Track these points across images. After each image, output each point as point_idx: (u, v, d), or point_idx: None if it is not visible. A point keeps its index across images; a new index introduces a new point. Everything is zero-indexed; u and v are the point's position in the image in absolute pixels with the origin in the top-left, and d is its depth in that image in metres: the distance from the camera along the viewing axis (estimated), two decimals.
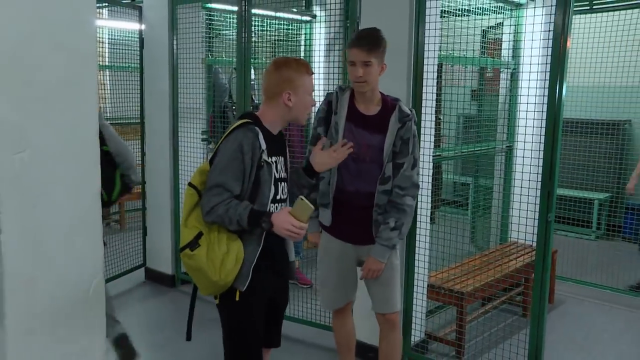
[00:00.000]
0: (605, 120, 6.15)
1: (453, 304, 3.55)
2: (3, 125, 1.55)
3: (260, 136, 2.17)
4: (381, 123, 2.65)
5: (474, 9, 3.99)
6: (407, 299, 3.33)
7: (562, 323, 4.17)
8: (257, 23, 4.92)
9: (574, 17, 3.28)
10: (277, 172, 2.25)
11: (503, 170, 4.55)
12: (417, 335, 3.42)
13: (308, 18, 5.46)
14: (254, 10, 4.26)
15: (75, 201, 1.75)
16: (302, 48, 5.56)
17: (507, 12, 4.36)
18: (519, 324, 4.04)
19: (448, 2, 3.71)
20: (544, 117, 2.83)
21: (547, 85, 2.80)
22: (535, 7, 4.25)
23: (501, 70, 4.53)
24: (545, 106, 2.81)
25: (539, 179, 2.86)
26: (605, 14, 4.75)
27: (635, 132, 6.46)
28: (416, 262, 3.31)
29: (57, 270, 1.72)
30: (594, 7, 4.40)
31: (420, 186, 2.80)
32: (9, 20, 1.54)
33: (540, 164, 2.85)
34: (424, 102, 3.18)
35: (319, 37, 5.37)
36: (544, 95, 2.84)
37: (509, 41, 4.39)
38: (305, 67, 2.26)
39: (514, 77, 4.39)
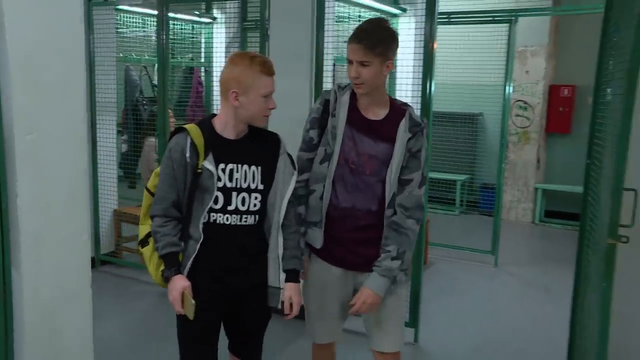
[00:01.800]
0: (463, 113, 7.32)
1: None
2: (19, 113, 1.98)
3: (189, 142, 2.06)
4: (387, 130, 2.25)
5: (359, 17, 4.76)
6: None
7: (434, 278, 5.09)
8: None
9: (437, 27, 4.14)
10: (229, 180, 2.10)
11: None
12: None
13: (209, 20, 5.95)
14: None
15: (70, 173, 2.19)
16: (203, 48, 6.06)
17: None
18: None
19: (340, 10, 4.42)
20: (419, 109, 3.60)
21: (420, 83, 3.57)
22: (409, 17, 5.11)
23: None
24: (419, 99, 3.57)
25: None
26: (461, 25, 5.75)
27: (486, 123, 7.65)
28: None
29: (57, 227, 2.16)
30: (451, 19, 5.35)
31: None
32: (24, 31, 1.97)
33: None
34: None
35: (219, 38, 5.90)
36: (418, 91, 3.60)
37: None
38: (261, 65, 2.04)
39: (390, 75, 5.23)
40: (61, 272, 2.18)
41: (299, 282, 2.27)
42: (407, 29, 5.06)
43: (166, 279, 2.10)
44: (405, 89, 3.82)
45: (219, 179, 2.09)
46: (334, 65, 4.28)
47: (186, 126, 2.12)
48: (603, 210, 2.53)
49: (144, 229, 2.22)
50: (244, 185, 2.14)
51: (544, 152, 7.44)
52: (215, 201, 2.10)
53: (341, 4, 4.38)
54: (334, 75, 4.37)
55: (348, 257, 2.32)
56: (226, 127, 2.13)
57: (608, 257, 2.04)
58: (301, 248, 2.31)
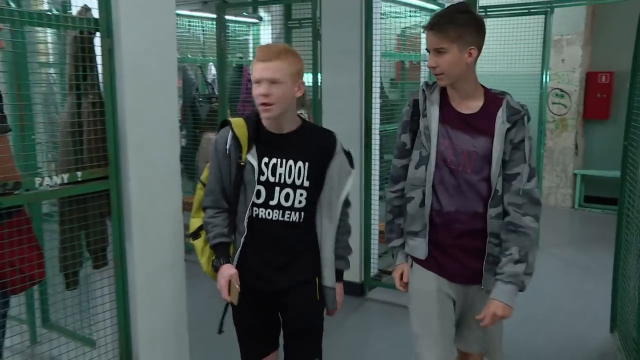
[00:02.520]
0: None
1: None
2: (129, 110, 2.36)
3: (231, 135, 2.07)
4: (485, 123, 2.06)
5: (392, 13, 5.04)
6: (366, 243, 4.33)
7: None
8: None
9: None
10: (272, 175, 2.07)
11: None
12: (373, 270, 4.44)
13: (255, 20, 6.32)
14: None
15: (166, 160, 2.56)
16: (250, 47, 6.42)
17: (423, 13, 5.43)
18: None
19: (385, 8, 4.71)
20: None
21: None
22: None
23: (421, 62, 5.62)
24: None
25: None
26: (498, 19, 5.95)
27: None
28: (372, 215, 4.32)
29: (157, 207, 2.53)
30: (488, 13, 5.59)
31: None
32: (133, 39, 2.34)
33: None
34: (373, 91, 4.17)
35: (265, 37, 6.27)
36: None
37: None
38: (257, 51, 2.02)
39: None
40: (161, 244, 2.54)
41: (342, 281, 2.26)
42: None
43: (215, 268, 2.10)
44: None
45: (262, 173, 2.07)
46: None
47: (231, 119, 2.13)
48: None
49: (195, 222, 2.21)
50: (289, 181, 2.09)
51: (582, 139, 7.59)
52: (258, 195, 2.08)
53: (387, 3, 4.67)
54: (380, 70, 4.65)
55: (454, 267, 2.12)
56: (267, 121, 2.09)
57: None
58: (350, 249, 2.28)
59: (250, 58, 6.59)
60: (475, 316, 2.09)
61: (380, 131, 4.32)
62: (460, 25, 1.99)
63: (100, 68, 2.33)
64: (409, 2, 4.96)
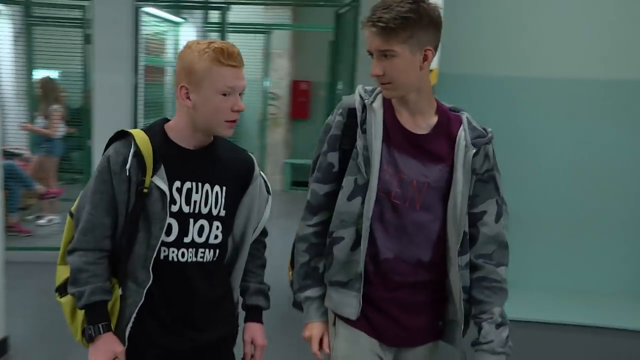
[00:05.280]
0: None
1: None
2: None
3: (132, 152, 1.54)
4: (441, 146, 1.64)
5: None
6: None
7: None
8: None
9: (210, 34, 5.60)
10: (186, 203, 1.60)
11: None
12: None
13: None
14: None
15: None
16: None
17: (169, 26, 6.33)
18: None
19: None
20: None
21: None
22: (189, 26, 6.39)
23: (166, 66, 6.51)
24: None
25: None
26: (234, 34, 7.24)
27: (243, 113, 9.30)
28: None
29: None
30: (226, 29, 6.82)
31: None
32: None
33: None
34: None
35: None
36: None
37: (174, 46, 6.40)
38: (220, 52, 1.50)
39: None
40: None
41: (262, 322, 1.79)
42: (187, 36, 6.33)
43: (89, 338, 1.55)
44: None
45: (173, 202, 1.58)
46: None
47: (130, 130, 1.61)
48: None
49: (64, 271, 1.66)
50: (204, 211, 1.63)
51: (289, 134, 9.41)
52: (168, 231, 1.58)
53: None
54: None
55: (389, 327, 1.68)
56: (181, 135, 1.61)
57: None
58: (267, 285, 1.81)
59: None
60: None
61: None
62: (412, 20, 1.51)
63: None
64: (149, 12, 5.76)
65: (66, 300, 1.63)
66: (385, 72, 1.56)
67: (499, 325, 1.64)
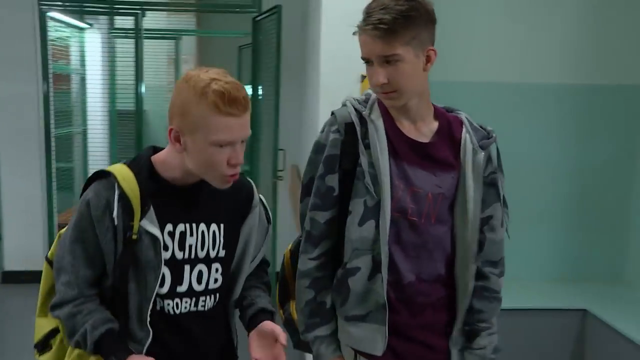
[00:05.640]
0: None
1: None
2: None
3: (117, 195, 1.36)
4: (447, 152, 1.54)
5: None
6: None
7: None
8: None
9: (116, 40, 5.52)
10: (180, 249, 1.44)
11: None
12: None
13: None
14: None
15: None
16: None
17: (73, 32, 5.98)
18: None
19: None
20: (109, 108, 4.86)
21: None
22: (94, 32, 6.12)
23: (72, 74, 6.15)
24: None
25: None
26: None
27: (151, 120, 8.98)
28: None
29: None
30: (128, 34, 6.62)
31: None
32: None
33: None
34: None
35: None
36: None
37: (78, 52, 6.06)
38: (221, 97, 1.29)
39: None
40: None
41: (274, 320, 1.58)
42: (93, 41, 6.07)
43: None
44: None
45: (165, 247, 1.42)
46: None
47: (111, 168, 1.42)
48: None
49: (45, 324, 1.52)
50: (201, 254, 1.47)
51: None
52: (161, 282, 1.42)
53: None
54: None
55: (416, 350, 1.57)
56: (172, 171, 1.43)
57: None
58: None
59: None
60: None
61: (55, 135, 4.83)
62: (414, 18, 1.39)
63: None
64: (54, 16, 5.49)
65: (46, 358, 1.50)
66: (390, 80, 1.42)
67: (491, 334, 1.60)
